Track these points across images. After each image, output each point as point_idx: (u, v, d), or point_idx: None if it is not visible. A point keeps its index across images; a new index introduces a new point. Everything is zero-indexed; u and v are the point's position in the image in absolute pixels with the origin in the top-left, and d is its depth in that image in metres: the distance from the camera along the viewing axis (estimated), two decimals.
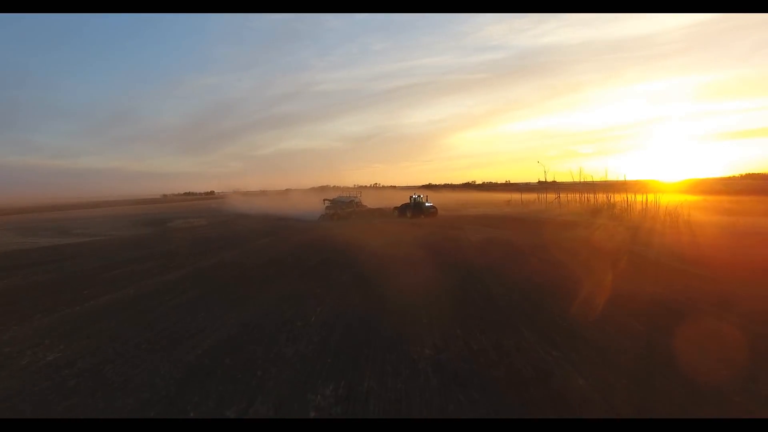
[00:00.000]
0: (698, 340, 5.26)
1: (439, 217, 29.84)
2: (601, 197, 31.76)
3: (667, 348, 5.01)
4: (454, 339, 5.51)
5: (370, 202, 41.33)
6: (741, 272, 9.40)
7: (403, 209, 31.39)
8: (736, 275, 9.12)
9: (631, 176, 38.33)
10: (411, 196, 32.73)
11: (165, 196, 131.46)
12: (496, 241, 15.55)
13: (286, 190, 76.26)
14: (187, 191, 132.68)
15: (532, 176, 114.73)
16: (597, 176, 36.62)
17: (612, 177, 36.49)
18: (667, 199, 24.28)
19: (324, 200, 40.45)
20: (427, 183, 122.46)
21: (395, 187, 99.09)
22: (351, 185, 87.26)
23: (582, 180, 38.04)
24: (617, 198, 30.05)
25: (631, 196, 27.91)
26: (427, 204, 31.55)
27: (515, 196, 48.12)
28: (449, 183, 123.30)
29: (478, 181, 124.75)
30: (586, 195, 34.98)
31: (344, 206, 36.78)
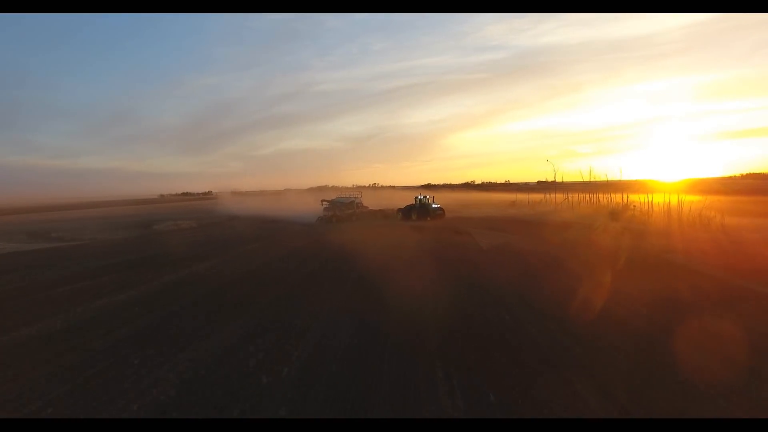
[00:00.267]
0: None
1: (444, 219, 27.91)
2: (615, 198, 29.95)
3: None
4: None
5: (371, 202, 39.09)
6: None
7: (407, 211, 28.59)
8: None
9: (630, 176, 36.53)
10: (416, 197, 30.03)
11: (162, 196, 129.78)
12: (510, 250, 13.73)
13: (285, 190, 74.55)
14: (185, 191, 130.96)
15: (532, 176, 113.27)
16: (600, 177, 34.94)
17: (617, 177, 34.87)
18: (675, 199, 22.44)
19: (322, 201, 38.41)
20: (426, 183, 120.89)
21: (394, 187, 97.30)
22: (350, 185, 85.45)
23: (591, 180, 36.36)
24: (632, 199, 28.31)
25: (645, 197, 26.14)
26: (433, 205, 28.89)
27: (521, 196, 46.22)
28: (448, 183, 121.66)
29: (478, 181, 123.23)
30: (596, 196, 33.13)
31: (343, 207, 34.68)
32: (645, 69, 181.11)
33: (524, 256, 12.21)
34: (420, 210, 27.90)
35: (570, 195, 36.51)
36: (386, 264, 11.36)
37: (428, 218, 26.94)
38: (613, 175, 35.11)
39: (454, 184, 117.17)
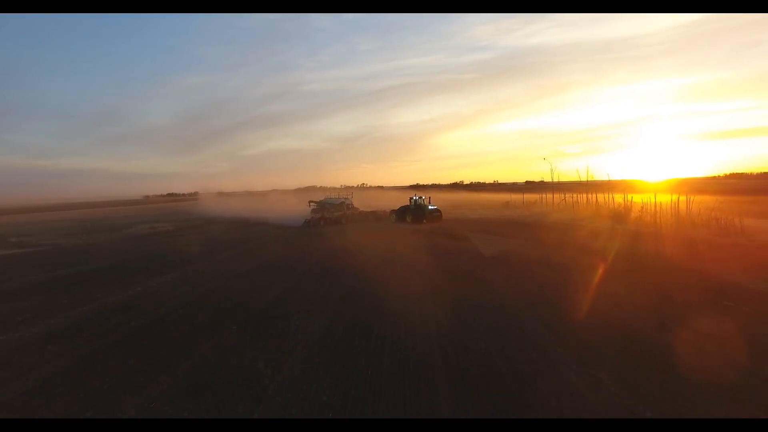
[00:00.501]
0: None
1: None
2: (613, 198, 28.68)
3: None
4: None
5: (360, 203, 37.01)
6: None
7: (401, 213, 26.72)
8: None
9: (617, 176, 35.63)
10: (411, 198, 27.78)
11: (147, 197, 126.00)
12: (516, 258, 12.11)
13: (272, 190, 72.39)
14: (171, 192, 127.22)
15: (520, 176, 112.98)
16: (593, 177, 33.90)
17: (607, 177, 33.98)
18: (677, 200, 21.21)
19: (309, 202, 36.29)
20: (415, 183, 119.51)
21: (382, 187, 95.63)
22: (338, 185, 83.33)
23: (581, 180, 35.21)
24: (631, 199, 27.08)
25: (647, 197, 24.91)
26: (430, 207, 26.75)
27: (514, 197, 44.95)
28: (437, 183, 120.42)
29: (466, 181, 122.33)
30: (594, 196, 31.88)
31: (333, 209, 32.56)
32: (632, 70, 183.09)
33: (534, 267, 10.57)
34: (415, 212, 25.85)
35: (566, 195, 35.29)
36: (375, 279, 9.63)
37: (424, 221, 24.97)
38: (602, 175, 34.09)
39: (442, 184, 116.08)
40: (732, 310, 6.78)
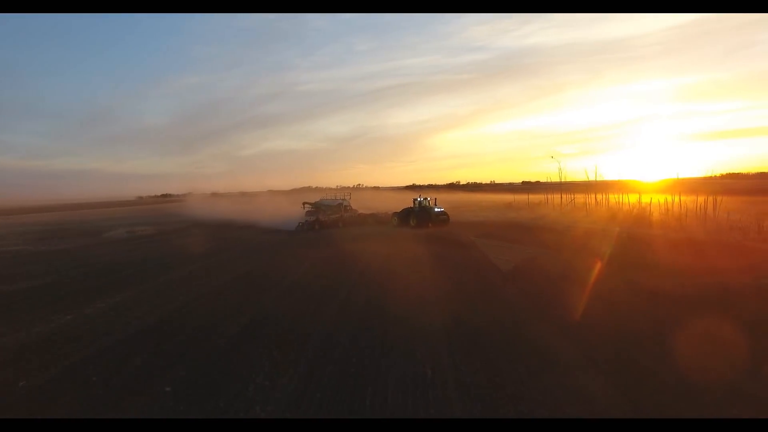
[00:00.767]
0: None
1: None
2: (624, 199, 26.89)
3: None
4: None
5: (360, 205, 34.57)
6: None
7: (405, 215, 24.24)
8: None
9: (613, 176, 33.98)
10: (415, 199, 25.19)
11: (141, 198, 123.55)
12: (539, 274, 10.18)
13: (267, 191, 70.35)
14: (165, 193, 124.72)
15: (517, 176, 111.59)
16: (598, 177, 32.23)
17: (611, 177, 32.42)
18: (694, 200, 19.51)
19: (304, 204, 33.95)
20: (411, 184, 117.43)
21: (378, 188, 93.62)
22: (334, 186, 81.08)
23: (588, 180, 33.47)
24: (645, 200, 25.31)
25: (666, 198, 23.15)
26: (436, 209, 23.94)
27: (518, 197, 42.94)
28: (433, 184, 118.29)
29: (463, 182, 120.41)
30: (606, 197, 30.04)
31: (329, 211, 30.26)
32: (628, 70, 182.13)
33: (569, 289, 8.63)
34: (420, 215, 23.37)
35: (574, 196, 33.42)
36: (370, 307, 7.66)
37: (429, 224, 22.64)
38: (608, 176, 32.39)
39: (439, 185, 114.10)
40: None
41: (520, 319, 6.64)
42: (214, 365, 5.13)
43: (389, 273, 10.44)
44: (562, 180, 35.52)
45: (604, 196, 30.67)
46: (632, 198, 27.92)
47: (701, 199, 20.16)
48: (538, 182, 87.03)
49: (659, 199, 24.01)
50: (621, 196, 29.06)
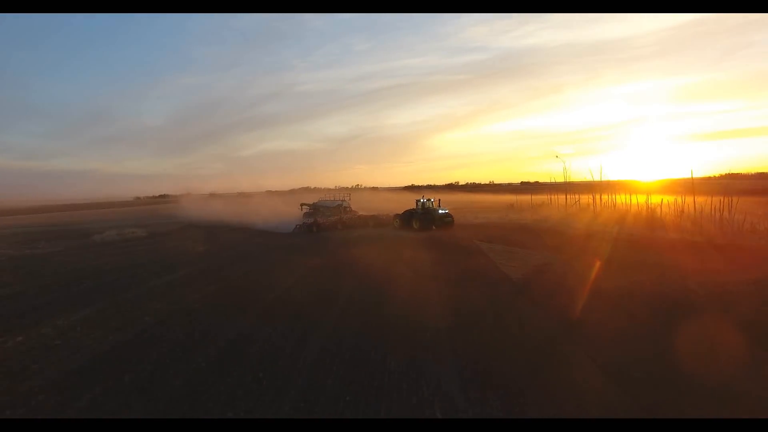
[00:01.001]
0: None
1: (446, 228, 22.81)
2: (632, 200, 25.88)
3: None
4: None
5: (360, 206, 33.28)
6: None
7: (407, 218, 22.95)
8: None
9: (610, 176, 32.93)
10: (418, 200, 23.84)
11: (138, 198, 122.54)
12: (558, 283, 9.17)
13: (266, 191, 69.40)
14: (163, 194, 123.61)
15: (515, 177, 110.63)
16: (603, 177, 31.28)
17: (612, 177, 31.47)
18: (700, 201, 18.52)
19: (301, 205, 32.78)
20: (410, 184, 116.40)
21: (377, 188, 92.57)
22: (332, 186, 79.85)
23: (599, 180, 32.50)
24: (656, 201, 24.33)
25: (669, 199, 22.14)
26: (440, 211, 22.66)
27: (520, 198, 41.90)
28: (432, 184, 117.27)
29: (462, 182, 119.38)
30: (614, 197, 29.03)
31: (328, 213, 29.09)
32: (624, 71, 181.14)
33: (594, 302, 7.63)
34: (423, 217, 22.06)
35: (579, 197, 32.41)
36: (365, 331, 6.66)
37: (433, 227, 21.50)
38: (607, 176, 31.37)
39: (437, 185, 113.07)
40: None
41: (546, 353, 5.63)
42: (166, 414, 4.12)
43: (388, 289, 9.42)
44: (567, 180, 34.35)
45: (610, 196, 29.72)
46: (637, 199, 26.89)
47: (707, 199, 19.20)
48: (536, 182, 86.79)
49: (667, 200, 23.03)
50: (628, 196, 28.07)
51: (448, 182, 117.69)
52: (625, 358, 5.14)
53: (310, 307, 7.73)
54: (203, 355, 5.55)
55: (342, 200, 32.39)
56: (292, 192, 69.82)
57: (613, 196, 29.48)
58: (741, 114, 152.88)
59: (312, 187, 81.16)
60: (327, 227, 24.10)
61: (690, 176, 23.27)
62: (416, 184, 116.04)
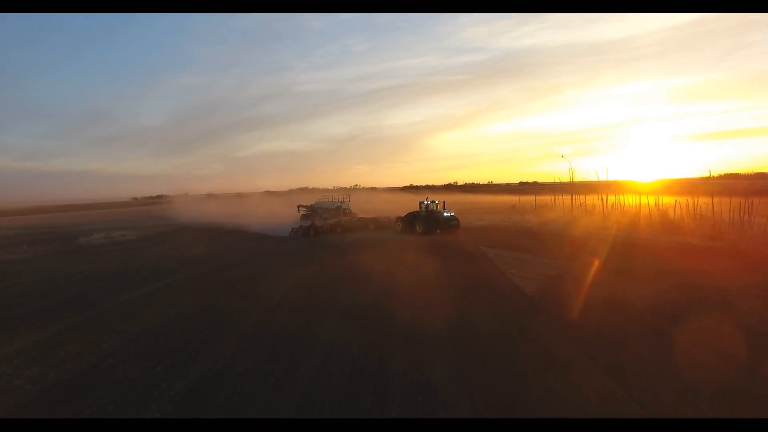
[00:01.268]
0: None
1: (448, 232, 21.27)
2: (639, 201, 24.88)
3: None
4: None
5: (358, 207, 31.96)
6: None
7: (410, 221, 21.48)
8: None
9: (609, 177, 32.00)
10: (421, 202, 22.58)
11: (136, 199, 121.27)
12: (578, 296, 8.13)
13: (264, 192, 68.48)
14: (161, 194, 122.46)
15: (514, 177, 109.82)
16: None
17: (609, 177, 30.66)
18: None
19: (298, 207, 31.53)
20: (408, 184, 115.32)
21: (375, 188, 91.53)
22: (331, 187, 78.65)
23: (602, 181, 31.59)
24: (662, 202, 23.33)
25: (681, 201, 21.13)
26: (445, 213, 21.31)
27: (524, 199, 40.85)
28: (430, 184, 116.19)
29: (460, 182, 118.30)
30: (622, 198, 28.03)
31: (326, 215, 27.84)
32: (623, 71, 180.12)
33: (625, 323, 6.59)
34: (427, 220, 20.72)
35: (585, 198, 31.35)
36: (359, 374, 5.62)
37: (437, 231, 20.33)
38: (610, 176, 30.52)
39: (436, 185, 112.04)
40: None
41: (579, 391, 4.59)
42: None
43: (387, 305, 8.39)
44: (573, 180, 33.27)
45: (616, 197, 28.72)
46: (648, 200, 25.86)
47: (718, 201, 18.18)
48: (535, 183, 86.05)
49: (678, 201, 22.02)
50: (635, 198, 27.05)
51: (446, 182, 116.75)
52: (666, 391, 4.10)
53: (297, 330, 6.69)
54: (160, 399, 4.51)
55: (341, 202, 31.11)
56: (290, 192, 68.72)
57: (620, 197, 28.55)
58: (740, 114, 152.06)
59: (310, 187, 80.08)
60: (325, 230, 22.99)
61: (711, 174, 22.31)
62: (415, 184, 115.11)
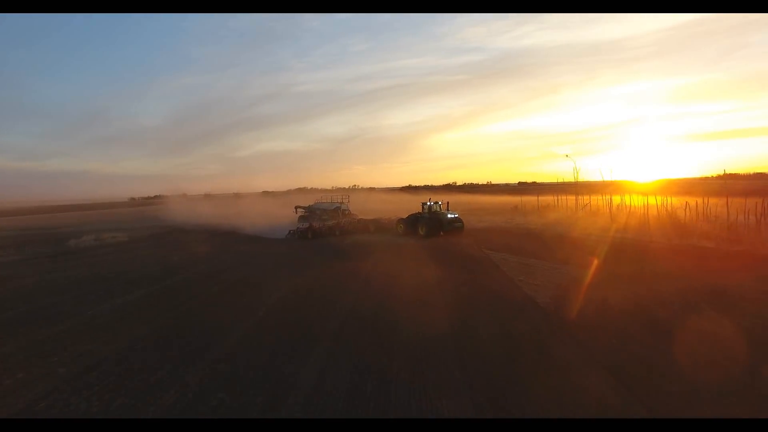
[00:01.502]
0: None
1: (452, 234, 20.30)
2: (648, 201, 24.13)
3: None
4: None
5: (356, 208, 31.02)
6: None
7: (412, 223, 20.64)
8: None
9: (608, 177, 31.27)
10: (424, 203, 21.27)
11: (133, 199, 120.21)
12: (602, 310, 7.34)
13: (262, 192, 67.77)
14: (158, 194, 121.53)
15: (513, 177, 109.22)
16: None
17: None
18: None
19: (296, 208, 30.68)
20: (407, 184, 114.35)
21: (374, 189, 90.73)
22: (329, 187, 77.71)
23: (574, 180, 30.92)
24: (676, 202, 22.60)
25: (689, 202, 20.39)
26: (449, 215, 20.31)
27: (526, 199, 40.02)
28: (429, 184, 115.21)
29: (459, 182, 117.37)
30: (630, 199, 27.28)
31: (325, 216, 26.98)
32: (621, 72, 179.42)
33: (670, 346, 5.80)
34: (430, 222, 19.83)
35: (590, 198, 30.59)
36: (348, 411, 4.82)
37: (441, 233, 19.45)
38: (614, 176, 29.85)
39: (435, 186, 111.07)
40: None
41: None
42: None
43: (385, 323, 7.60)
44: (577, 180, 32.52)
45: (622, 198, 27.98)
46: (656, 200, 25.09)
47: (724, 201, 17.43)
48: (534, 183, 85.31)
49: (687, 202, 21.29)
50: (643, 198, 26.30)
51: (445, 183, 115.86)
52: None
53: (281, 354, 5.89)
54: None
55: (340, 203, 30.20)
56: (288, 193, 67.89)
57: (625, 198, 27.80)
58: (739, 114, 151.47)
59: (309, 187, 79.16)
60: (323, 233, 22.16)
61: (725, 172, 21.53)
62: (413, 184, 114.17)
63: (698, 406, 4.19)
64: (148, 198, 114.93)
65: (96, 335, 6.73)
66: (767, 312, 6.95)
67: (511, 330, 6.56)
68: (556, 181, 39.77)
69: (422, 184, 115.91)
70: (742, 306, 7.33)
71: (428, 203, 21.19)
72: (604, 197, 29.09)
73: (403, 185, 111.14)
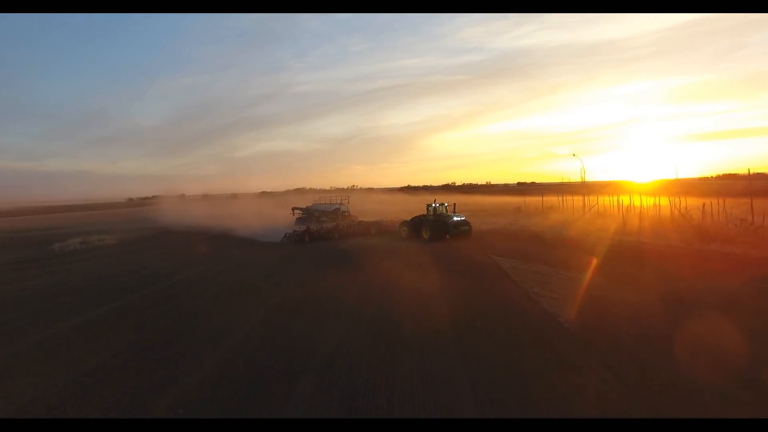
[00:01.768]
0: None
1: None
2: (661, 202, 23.05)
3: None
4: None
5: (355, 209, 29.67)
6: None
7: (416, 226, 19.48)
8: None
9: (607, 177, 30.23)
10: (429, 205, 20.03)
11: (131, 199, 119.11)
12: (633, 329, 6.24)
13: (261, 192, 66.72)
14: (156, 195, 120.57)
15: (512, 177, 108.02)
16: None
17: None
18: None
19: (293, 209, 29.42)
20: (406, 185, 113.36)
21: (372, 189, 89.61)
22: (328, 188, 76.49)
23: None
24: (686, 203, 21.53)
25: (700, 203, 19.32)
26: (455, 218, 19.15)
27: (529, 200, 38.89)
28: (428, 185, 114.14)
29: (458, 183, 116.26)
30: (638, 200, 26.19)
31: (324, 218, 25.76)
32: (620, 72, 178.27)
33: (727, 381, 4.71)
34: (435, 225, 18.67)
35: (598, 199, 29.48)
36: None
37: (447, 237, 18.35)
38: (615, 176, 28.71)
39: (434, 186, 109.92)
40: None
41: None
42: None
43: (382, 359, 6.52)
44: (583, 180, 31.43)
45: (632, 199, 26.91)
46: (669, 202, 24.00)
47: (735, 202, 16.36)
48: (533, 183, 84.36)
49: (704, 203, 20.23)
50: (652, 199, 25.22)
51: (444, 183, 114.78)
52: None
53: (253, 392, 4.81)
54: None
55: (339, 204, 28.94)
56: (286, 193, 66.81)
57: (634, 198, 26.74)
58: (738, 114, 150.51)
59: (307, 188, 78.04)
60: (321, 235, 20.99)
61: (749, 172, 20.45)
62: (413, 184, 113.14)
63: None
64: (146, 198, 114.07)
65: (37, 367, 5.65)
66: None
67: (536, 357, 5.45)
68: (560, 181, 38.72)
69: (421, 184, 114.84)
70: None
71: (434, 205, 19.92)
72: (611, 198, 28.03)
73: (402, 185, 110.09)
